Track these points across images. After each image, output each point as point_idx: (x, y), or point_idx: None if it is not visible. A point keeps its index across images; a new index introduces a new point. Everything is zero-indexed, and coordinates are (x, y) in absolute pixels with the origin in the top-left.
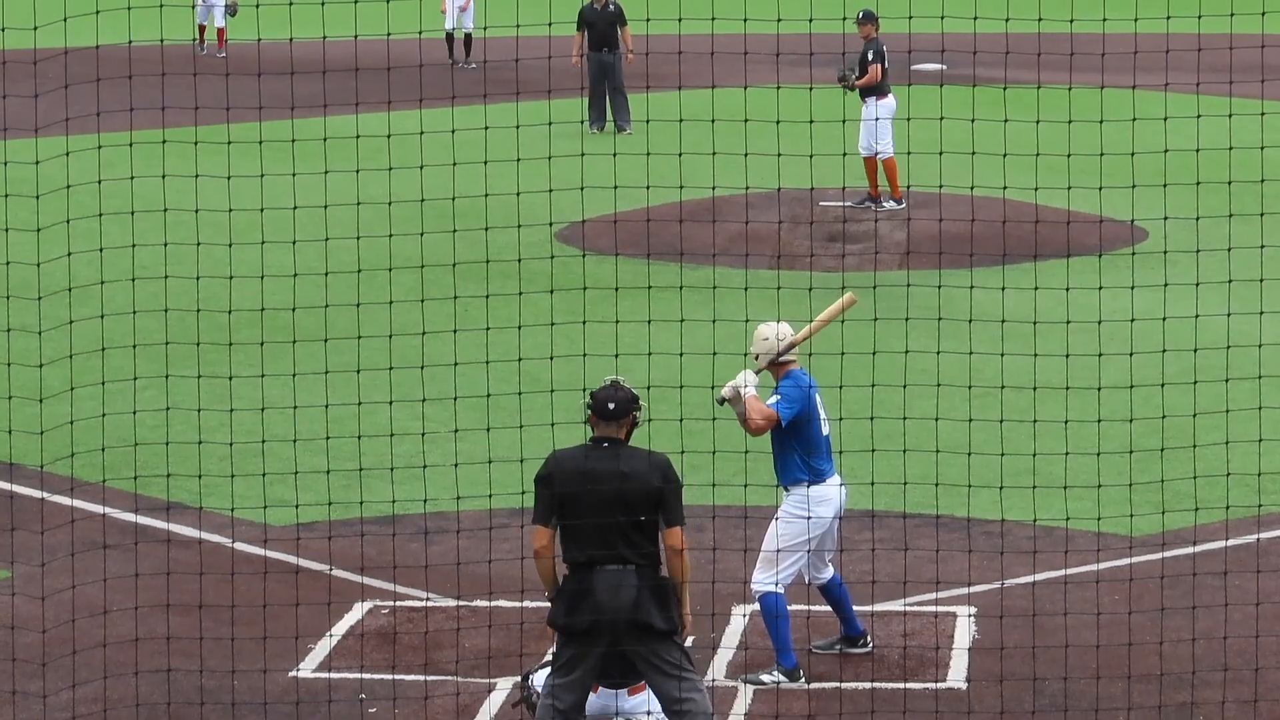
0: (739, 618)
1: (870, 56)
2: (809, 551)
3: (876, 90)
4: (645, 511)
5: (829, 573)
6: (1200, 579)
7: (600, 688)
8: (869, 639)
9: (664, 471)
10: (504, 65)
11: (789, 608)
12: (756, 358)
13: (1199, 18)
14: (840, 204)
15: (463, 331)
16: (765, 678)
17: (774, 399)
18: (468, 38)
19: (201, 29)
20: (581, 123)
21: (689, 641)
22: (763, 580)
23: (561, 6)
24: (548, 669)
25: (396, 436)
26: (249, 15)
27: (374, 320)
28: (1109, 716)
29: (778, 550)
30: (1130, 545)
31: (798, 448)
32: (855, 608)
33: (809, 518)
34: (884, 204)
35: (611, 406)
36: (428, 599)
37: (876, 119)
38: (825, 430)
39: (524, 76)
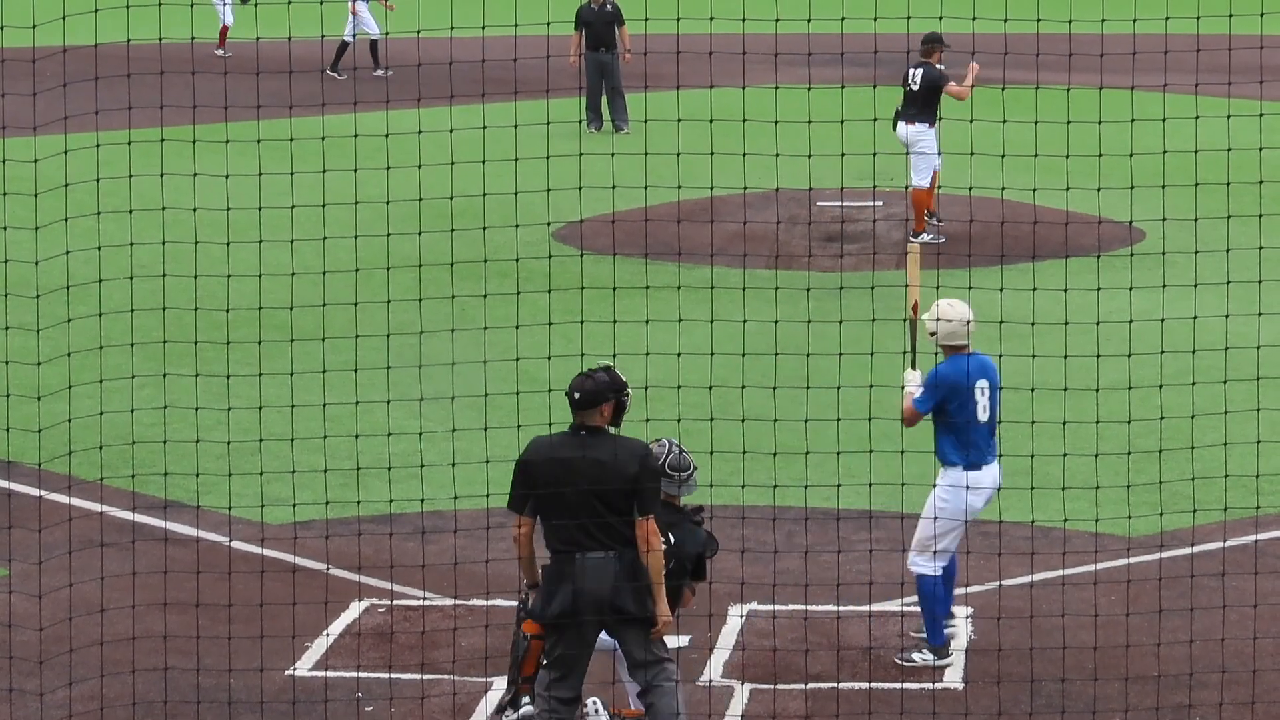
0: (736, 618)
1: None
2: (964, 524)
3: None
4: (620, 499)
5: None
6: (1198, 580)
7: None
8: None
9: (641, 459)
10: (503, 65)
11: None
12: (932, 335)
13: (1198, 18)
14: (839, 204)
15: (460, 331)
16: (916, 656)
17: (919, 391)
18: (374, 44)
19: (224, 31)
20: (579, 122)
21: (684, 641)
22: (919, 562)
23: (559, 6)
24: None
25: (394, 435)
26: (248, 15)
27: (372, 319)
28: (1106, 718)
29: (919, 520)
30: (1128, 546)
31: (948, 431)
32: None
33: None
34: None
35: (577, 396)
36: (425, 598)
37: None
38: (982, 417)
39: (522, 76)
